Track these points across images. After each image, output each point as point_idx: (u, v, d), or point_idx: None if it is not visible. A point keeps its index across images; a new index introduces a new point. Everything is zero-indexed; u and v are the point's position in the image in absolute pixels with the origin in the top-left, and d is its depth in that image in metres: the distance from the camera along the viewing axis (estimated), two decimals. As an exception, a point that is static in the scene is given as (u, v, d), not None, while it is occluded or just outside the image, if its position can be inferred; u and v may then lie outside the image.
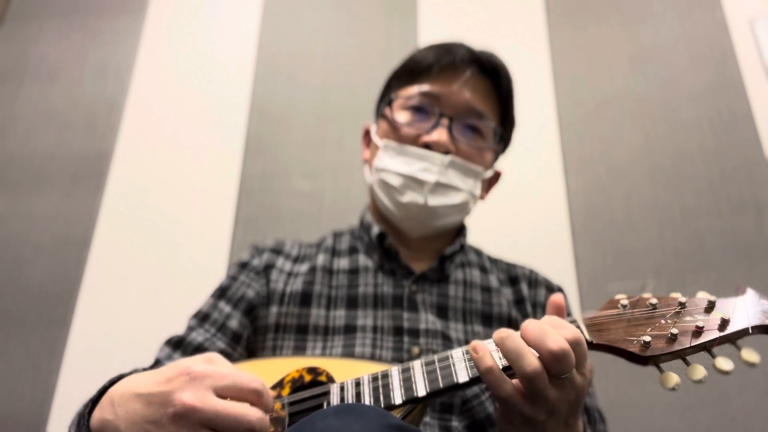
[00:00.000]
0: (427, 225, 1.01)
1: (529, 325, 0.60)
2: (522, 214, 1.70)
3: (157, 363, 0.90)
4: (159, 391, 0.55)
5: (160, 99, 1.96)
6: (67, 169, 1.87)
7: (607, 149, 1.76)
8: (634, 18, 1.94)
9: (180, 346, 0.92)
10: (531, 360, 0.58)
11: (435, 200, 0.97)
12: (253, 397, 0.55)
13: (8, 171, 1.89)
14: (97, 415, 0.60)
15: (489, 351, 0.61)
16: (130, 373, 0.69)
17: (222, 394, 0.54)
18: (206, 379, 0.54)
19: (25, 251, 1.76)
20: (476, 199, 1.05)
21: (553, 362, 0.57)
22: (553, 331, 0.59)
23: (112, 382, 0.65)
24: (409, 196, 0.97)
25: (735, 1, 1.91)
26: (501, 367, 0.61)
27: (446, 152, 0.97)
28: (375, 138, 1.06)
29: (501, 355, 0.62)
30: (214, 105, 1.93)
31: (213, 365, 0.57)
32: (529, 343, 0.59)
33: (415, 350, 0.89)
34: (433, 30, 1.96)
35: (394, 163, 0.99)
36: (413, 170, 0.97)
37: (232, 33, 2.05)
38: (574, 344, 0.59)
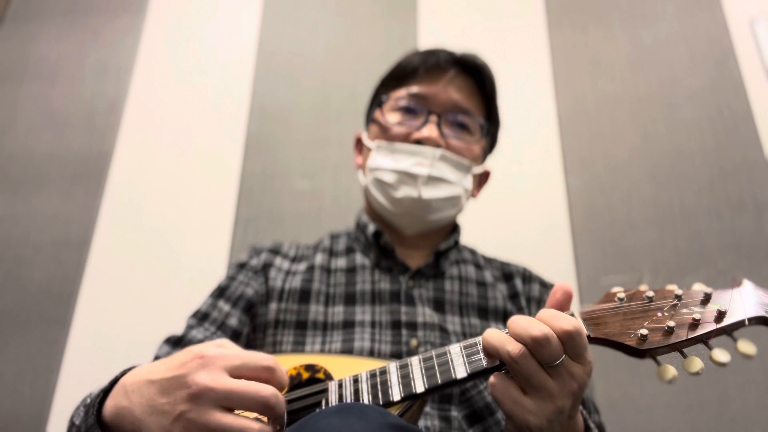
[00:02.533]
0: (422, 219, 1.03)
1: (516, 318, 0.60)
2: (522, 213, 1.70)
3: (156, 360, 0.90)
4: (174, 375, 0.56)
5: (160, 99, 1.96)
6: (67, 169, 1.87)
7: (607, 148, 1.76)
8: (634, 18, 1.94)
9: (180, 344, 0.93)
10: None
11: (428, 193, 0.99)
12: (266, 374, 0.57)
13: (8, 171, 1.89)
14: (111, 403, 0.60)
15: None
16: (132, 368, 0.69)
17: (235, 374, 0.56)
18: (219, 360, 0.56)
19: (25, 251, 1.77)
20: (468, 194, 1.07)
21: (537, 347, 0.57)
22: (538, 321, 0.59)
23: (121, 375, 0.65)
24: (404, 191, 1.00)
25: (735, 1, 1.92)
26: (486, 367, 0.61)
27: (437, 146, 1.00)
28: (367, 141, 1.09)
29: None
30: (214, 105, 1.93)
31: (224, 349, 0.59)
32: (513, 335, 0.59)
33: (414, 343, 0.91)
34: (433, 30, 1.97)
35: (387, 161, 1.02)
36: (406, 165, 1.00)
37: (232, 33, 2.05)
38: (574, 334, 0.58)
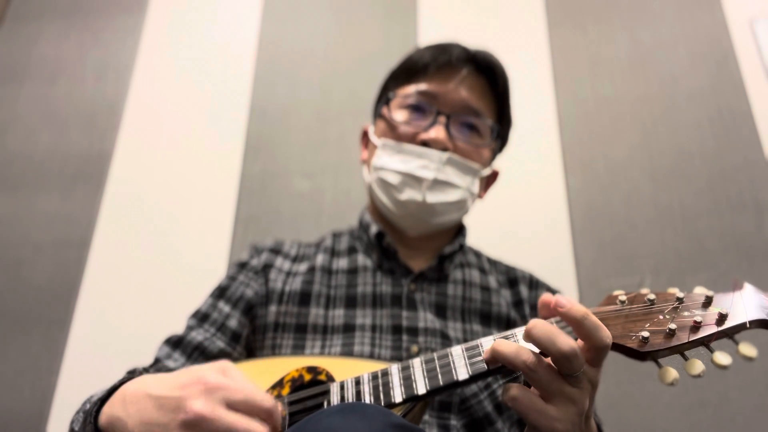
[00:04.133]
0: (426, 222, 1.01)
1: (538, 324, 0.58)
2: (522, 213, 1.70)
3: (156, 362, 0.90)
4: (172, 395, 0.55)
5: (160, 99, 1.96)
6: (67, 169, 1.87)
7: (607, 149, 1.76)
8: (634, 18, 1.94)
9: (179, 345, 0.92)
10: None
11: (433, 197, 0.97)
12: (264, 415, 0.55)
13: (8, 171, 1.89)
14: (107, 410, 0.61)
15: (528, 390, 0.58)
16: (134, 373, 0.69)
17: (234, 407, 0.54)
18: (220, 391, 0.54)
19: (25, 251, 1.76)
20: (474, 197, 1.05)
21: (565, 362, 0.56)
22: (562, 332, 0.57)
23: (122, 381, 0.65)
24: (408, 194, 0.97)
25: (735, 1, 1.91)
26: (487, 369, 0.61)
27: (444, 149, 0.97)
28: (373, 138, 1.06)
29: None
30: (214, 105, 1.93)
31: (227, 377, 0.57)
32: (537, 344, 0.57)
33: (414, 348, 0.89)
34: (433, 30, 1.96)
35: (392, 161, 0.99)
36: (411, 168, 0.97)
37: (232, 33, 2.05)
38: (600, 347, 0.58)
